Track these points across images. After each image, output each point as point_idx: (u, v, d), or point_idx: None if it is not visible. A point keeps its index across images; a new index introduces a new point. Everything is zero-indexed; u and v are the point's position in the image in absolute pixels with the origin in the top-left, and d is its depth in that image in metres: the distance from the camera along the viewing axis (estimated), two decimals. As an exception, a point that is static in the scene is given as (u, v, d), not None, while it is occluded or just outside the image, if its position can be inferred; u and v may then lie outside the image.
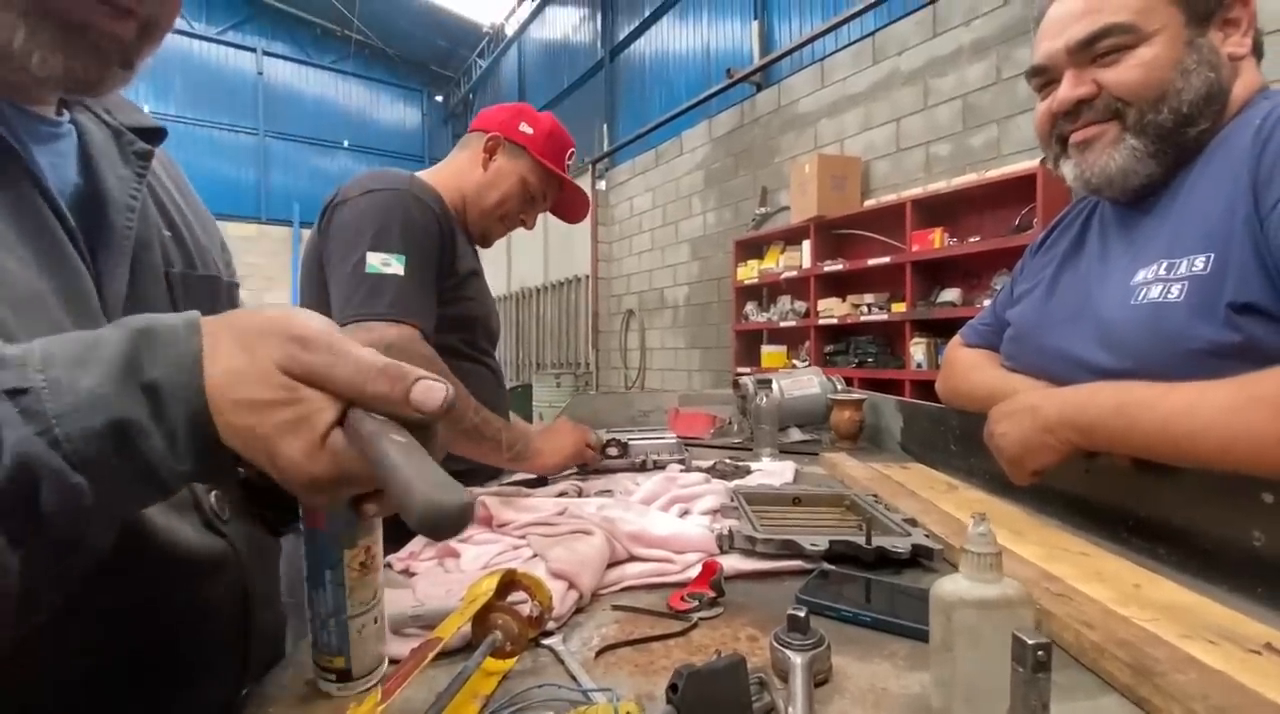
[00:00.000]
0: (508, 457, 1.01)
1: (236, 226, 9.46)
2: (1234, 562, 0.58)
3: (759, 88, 4.89)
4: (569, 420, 1.16)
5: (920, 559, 0.66)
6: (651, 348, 6.16)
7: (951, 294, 3.33)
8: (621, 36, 6.92)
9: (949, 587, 0.39)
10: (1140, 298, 0.68)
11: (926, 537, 0.69)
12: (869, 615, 0.53)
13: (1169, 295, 0.65)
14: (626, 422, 1.73)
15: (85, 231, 0.43)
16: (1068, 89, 0.73)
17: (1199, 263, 0.63)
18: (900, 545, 0.66)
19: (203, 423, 0.31)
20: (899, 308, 3.47)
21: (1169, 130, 0.70)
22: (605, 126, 7.06)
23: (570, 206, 1.30)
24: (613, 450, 1.14)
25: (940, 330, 3.33)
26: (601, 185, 6.78)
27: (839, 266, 3.82)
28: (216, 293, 0.56)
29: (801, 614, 0.45)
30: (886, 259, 3.49)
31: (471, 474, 1.04)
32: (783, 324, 4.22)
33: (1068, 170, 0.77)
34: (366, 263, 0.97)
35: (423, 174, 1.17)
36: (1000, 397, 0.86)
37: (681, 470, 1.06)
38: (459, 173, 1.20)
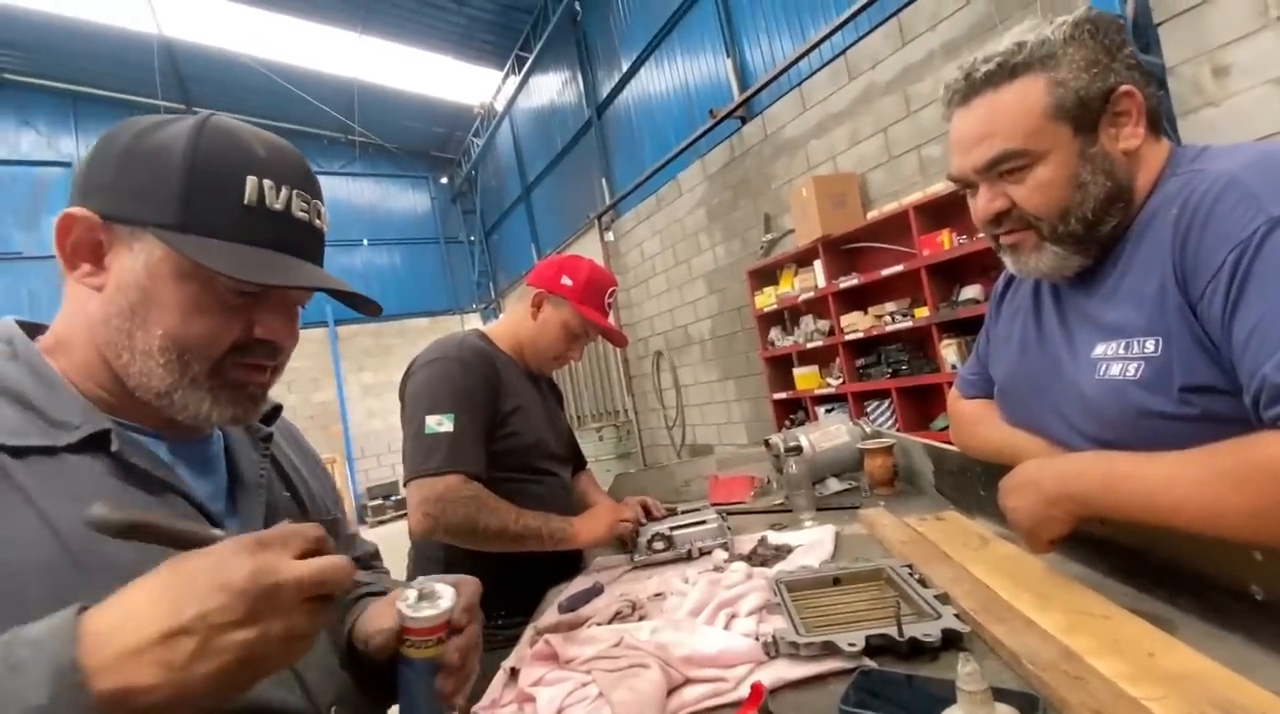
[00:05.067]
0: (551, 545, 1.24)
1: (278, 336, 9.97)
2: (1243, 612, 0.62)
3: (744, 121, 5.02)
4: (608, 502, 1.38)
5: (952, 643, 0.71)
6: (685, 385, 6.22)
7: (972, 291, 3.31)
8: (605, 93, 7.19)
9: (950, 723, 0.45)
10: (1103, 373, 0.73)
11: (956, 617, 0.74)
12: (905, 722, 0.59)
13: (1128, 373, 0.70)
14: (670, 494, 1.80)
15: (235, 511, 0.61)
16: (985, 204, 0.79)
17: (1149, 345, 0.68)
18: (931, 633, 0.71)
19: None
20: (922, 313, 3.47)
21: (1082, 235, 0.76)
22: (604, 181, 7.29)
23: (614, 337, 1.50)
24: (659, 545, 1.21)
25: (968, 329, 3.32)
26: (610, 237, 6.97)
27: (854, 281, 3.84)
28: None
29: (836, 746, 0.52)
30: (900, 267, 3.51)
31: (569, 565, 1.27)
32: (809, 345, 4.25)
33: (1008, 263, 0.84)
34: (425, 425, 1.22)
35: (488, 326, 1.48)
36: (1007, 453, 0.91)
37: (725, 558, 1.12)
38: (517, 323, 1.46)
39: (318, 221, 0.62)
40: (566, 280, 1.42)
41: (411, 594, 0.57)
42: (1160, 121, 0.76)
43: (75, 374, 0.56)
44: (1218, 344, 0.63)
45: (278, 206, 0.57)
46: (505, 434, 1.32)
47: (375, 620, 0.63)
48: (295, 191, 0.59)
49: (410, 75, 9.60)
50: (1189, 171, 0.71)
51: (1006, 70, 0.76)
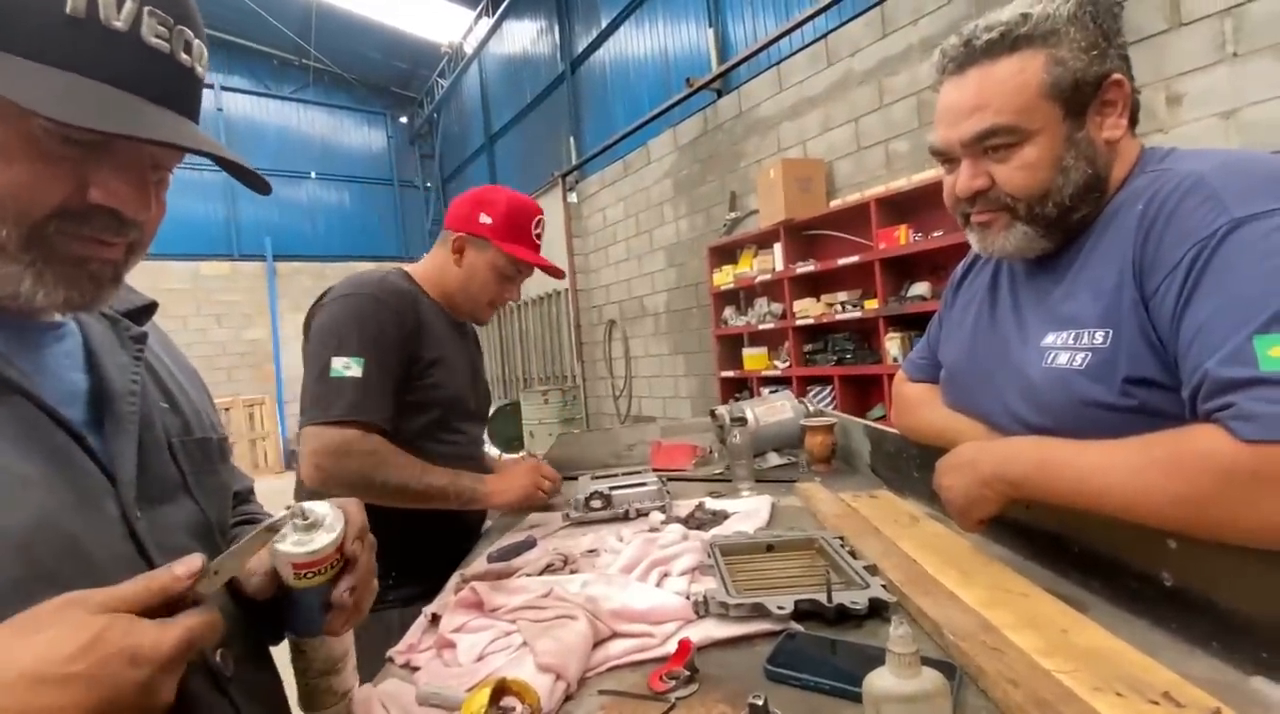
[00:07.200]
0: (458, 505, 1.17)
1: (210, 265, 9.37)
2: (1152, 597, 0.65)
3: (719, 94, 4.96)
4: (527, 460, 1.27)
5: (878, 612, 0.72)
6: (636, 356, 6.21)
7: (921, 288, 3.41)
8: (581, 48, 6.96)
9: (878, 683, 0.45)
10: (1051, 361, 0.74)
11: (884, 587, 0.75)
12: (828, 684, 0.59)
13: (1074, 363, 0.71)
14: (611, 457, 1.78)
15: (98, 423, 0.50)
16: (966, 180, 0.78)
17: (1099, 337, 0.70)
18: (859, 601, 0.72)
19: None
20: (872, 305, 3.55)
21: (1055, 219, 0.76)
22: (572, 139, 7.10)
23: (550, 272, 1.41)
24: (596, 503, 1.19)
25: (913, 324, 3.41)
26: (573, 198, 6.82)
27: (811, 267, 3.89)
28: (210, 452, 0.62)
29: (760, 702, 0.51)
30: (856, 258, 3.57)
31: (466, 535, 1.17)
32: (761, 327, 4.29)
33: (972, 240, 0.84)
34: (331, 367, 1.11)
35: (411, 266, 1.34)
36: (948, 436, 0.93)
37: (663, 520, 1.11)
38: (440, 269, 1.34)
39: (184, 57, 0.47)
40: (485, 218, 1.29)
41: (287, 528, 0.52)
42: (1138, 118, 0.77)
43: None
44: (1164, 340, 0.64)
45: (117, 24, 0.44)
46: (424, 385, 1.21)
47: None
48: (148, 9, 0.45)
49: (374, 1, 9.03)
50: (1156, 170, 0.72)
51: (1008, 42, 0.74)
